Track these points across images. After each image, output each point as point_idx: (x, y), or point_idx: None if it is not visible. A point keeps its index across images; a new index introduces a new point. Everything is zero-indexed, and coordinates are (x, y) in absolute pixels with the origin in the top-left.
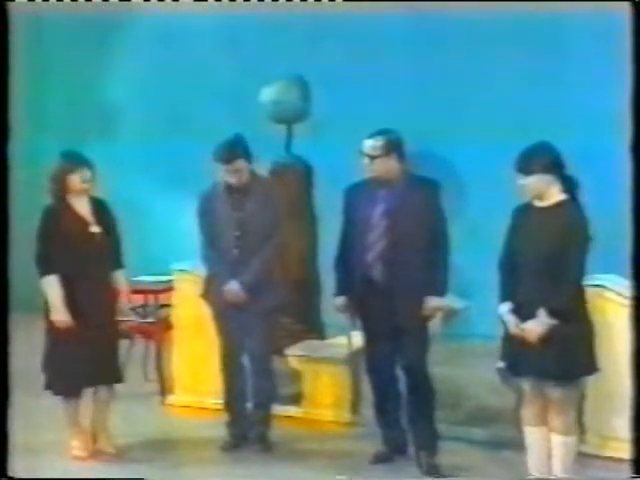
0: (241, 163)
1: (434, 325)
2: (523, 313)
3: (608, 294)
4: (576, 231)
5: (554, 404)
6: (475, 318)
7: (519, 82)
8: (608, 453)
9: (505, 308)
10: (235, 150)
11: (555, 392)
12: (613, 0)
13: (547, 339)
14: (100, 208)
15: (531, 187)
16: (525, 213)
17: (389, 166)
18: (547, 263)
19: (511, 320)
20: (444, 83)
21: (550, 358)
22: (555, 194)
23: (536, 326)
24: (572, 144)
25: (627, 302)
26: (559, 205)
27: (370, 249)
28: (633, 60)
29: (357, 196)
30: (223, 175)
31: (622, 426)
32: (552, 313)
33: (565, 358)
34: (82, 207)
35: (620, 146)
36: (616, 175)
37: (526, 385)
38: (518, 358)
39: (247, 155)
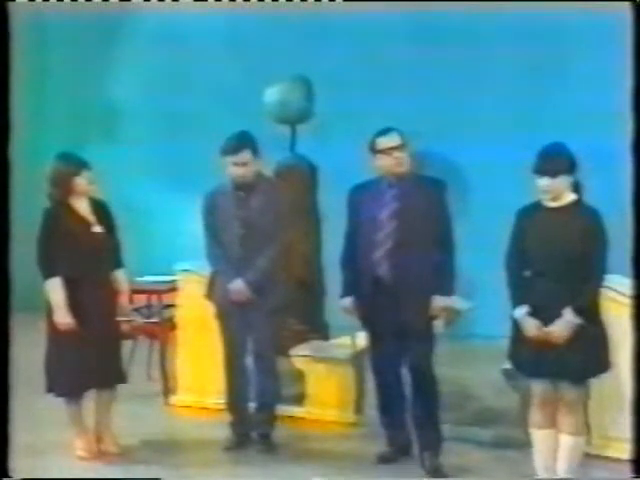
0: (247, 155)
1: (438, 325)
2: (543, 315)
3: (612, 294)
4: (598, 230)
5: (566, 405)
6: (479, 319)
7: (521, 82)
8: (611, 454)
9: (522, 311)
10: (242, 141)
11: (569, 392)
12: (613, 0)
13: (570, 339)
14: (99, 208)
15: (556, 188)
16: (535, 213)
17: (403, 162)
18: (569, 263)
19: (531, 323)
20: (448, 83)
21: (572, 358)
22: (567, 194)
23: (564, 327)
24: (574, 143)
25: (630, 302)
26: (572, 205)
27: (377, 249)
28: (633, 60)
29: (363, 196)
30: (229, 170)
31: (625, 426)
32: (578, 312)
33: (586, 357)
34: (83, 208)
35: (621, 145)
36: (617, 174)
37: (538, 387)
38: (534, 360)
39: (254, 149)
